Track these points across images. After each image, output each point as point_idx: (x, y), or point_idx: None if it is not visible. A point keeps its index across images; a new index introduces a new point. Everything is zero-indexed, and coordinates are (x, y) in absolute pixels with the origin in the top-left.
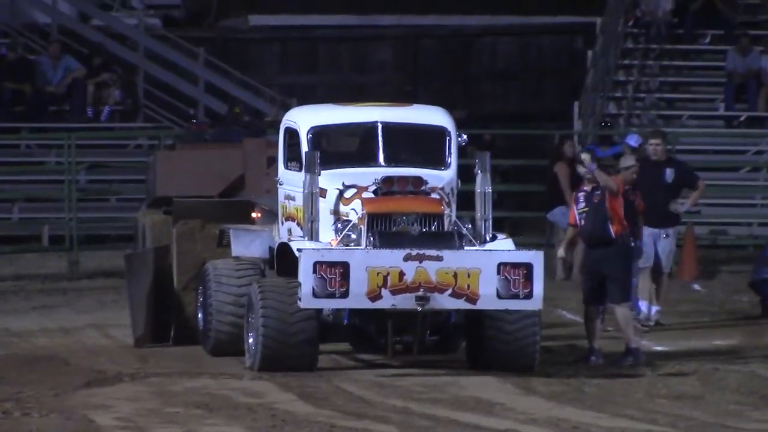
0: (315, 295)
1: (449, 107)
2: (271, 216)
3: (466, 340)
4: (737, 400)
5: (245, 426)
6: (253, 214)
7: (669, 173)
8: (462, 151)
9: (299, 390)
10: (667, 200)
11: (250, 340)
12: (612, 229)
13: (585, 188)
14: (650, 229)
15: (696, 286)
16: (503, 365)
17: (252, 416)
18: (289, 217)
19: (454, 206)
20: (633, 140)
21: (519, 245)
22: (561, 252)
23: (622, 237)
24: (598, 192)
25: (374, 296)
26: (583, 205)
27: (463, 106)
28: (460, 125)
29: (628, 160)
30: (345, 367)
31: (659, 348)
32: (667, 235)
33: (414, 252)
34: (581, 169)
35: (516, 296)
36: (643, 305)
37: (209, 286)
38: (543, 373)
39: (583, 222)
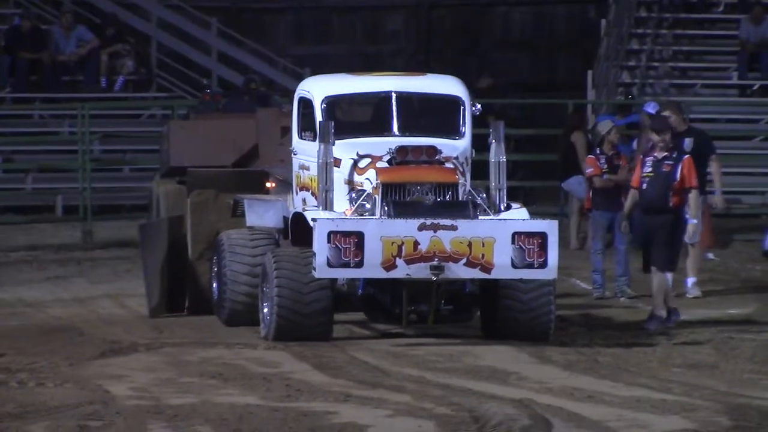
0: (329, 264)
1: (476, 75)
2: (286, 186)
3: (480, 310)
4: (752, 369)
5: (260, 396)
6: (268, 184)
7: (688, 143)
8: (478, 121)
9: (314, 360)
10: None
11: (265, 310)
12: (672, 200)
13: (655, 154)
14: None
15: (710, 255)
16: (518, 334)
17: (267, 386)
18: (303, 187)
19: (468, 176)
20: (651, 107)
21: (533, 215)
22: (625, 225)
23: (678, 208)
24: (669, 162)
25: (389, 266)
26: (649, 170)
27: (488, 74)
28: (485, 94)
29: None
30: (360, 336)
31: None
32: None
33: (428, 221)
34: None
35: (530, 265)
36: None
37: (224, 256)
38: (558, 342)
39: (645, 186)
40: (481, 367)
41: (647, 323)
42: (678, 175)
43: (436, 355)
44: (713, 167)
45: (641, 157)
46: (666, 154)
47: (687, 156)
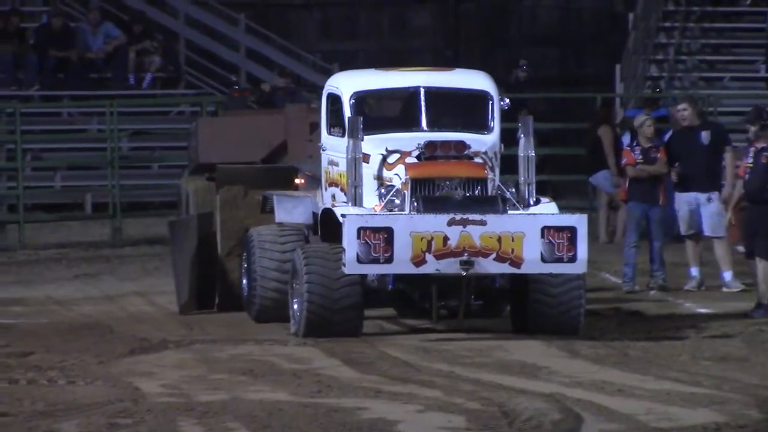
0: (359, 260)
1: (514, 66)
2: (314, 182)
3: (510, 304)
4: None
5: (290, 392)
6: (297, 180)
7: (705, 136)
8: (506, 115)
9: (344, 356)
10: (707, 163)
11: (295, 306)
12: None
13: (757, 144)
14: (693, 194)
15: (740, 248)
16: (548, 329)
17: (297, 382)
18: (332, 183)
19: (497, 170)
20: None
21: (562, 209)
22: (730, 215)
23: None
24: (767, 153)
25: (418, 261)
26: (750, 161)
27: (526, 67)
28: (522, 86)
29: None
30: (390, 332)
31: (703, 310)
32: (710, 199)
33: (458, 216)
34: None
35: (560, 260)
36: (694, 270)
37: (253, 253)
38: (587, 336)
39: (747, 177)
40: (511, 362)
41: (753, 312)
42: None
43: (466, 350)
44: (727, 159)
45: (745, 148)
46: (765, 145)
47: None
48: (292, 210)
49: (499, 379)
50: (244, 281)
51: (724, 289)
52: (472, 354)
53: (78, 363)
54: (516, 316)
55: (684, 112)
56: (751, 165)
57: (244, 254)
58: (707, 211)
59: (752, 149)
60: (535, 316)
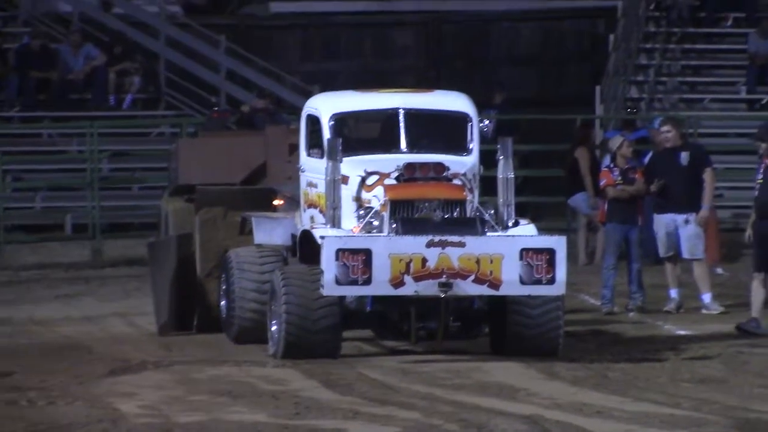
0: (338, 282)
1: (485, 91)
2: (294, 203)
3: (489, 326)
4: (761, 384)
5: (269, 413)
6: (276, 202)
7: (684, 156)
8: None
9: (323, 377)
10: (685, 184)
11: (273, 328)
12: None
13: (767, 161)
14: (670, 215)
15: (719, 270)
16: (527, 350)
17: (275, 403)
18: (311, 205)
19: (476, 192)
20: (658, 123)
21: (541, 231)
22: (749, 231)
23: None
24: None
25: (397, 283)
26: (760, 177)
27: (503, 90)
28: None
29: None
30: (368, 353)
31: (682, 332)
32: (688, 221)
33: (436, 238)
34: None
35: (539, 282)
36: (673, 292)
37: (232, 274)
38: (566, 358)
39: (757, 192)
40: (489, 384)
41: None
42: None
43: (445, 372)
44: (707, 180)
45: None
46: None
47: None
48: (271, 232)
49: (477, 401)
50: (223, 303)
51: (704, 311)
52: (450, 375)
53: (58, 384)
54: (495, 338)
55: (668, 133)
56: (761, 181)
57: (223, 276)
58: (685, 233)
59: (763, 165)
60: (514, 337)
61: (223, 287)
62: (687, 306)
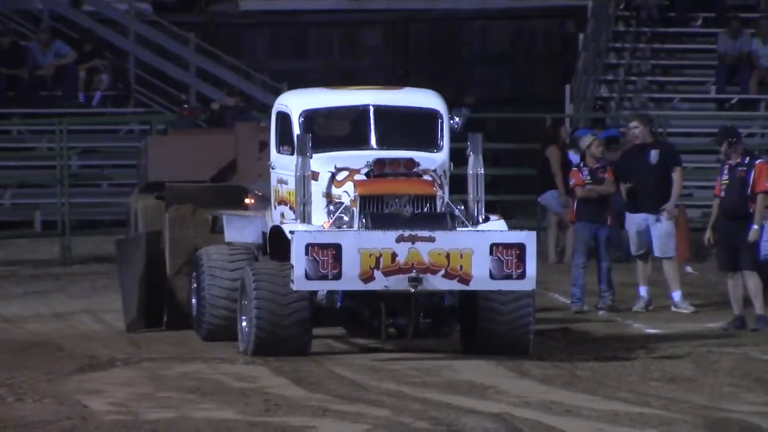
0: (307, 277)
1: (461, 94)
2: (264, 201)
3: (459, 324)
4: (731, 383)
5: (238, 410)
6: (246, 200)
7: (654, 155)
8: (458, 134)
9: (292, 374)
10: (655, 183)
11: (243, 324)
12: (751, 205)
13: (730, 161)
14: (642, 215)
15: (688, 269)
16: (497, 347)
17: (245, 400)
18: (281, 201)
19: (446, 188)
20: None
21: (511, 228)
22: (708, 234)
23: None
24: (742, 168)
25: (367, 278)
26: (725, 177)
27: (472, 92)
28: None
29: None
30: (338, 351)
31: (652, 331)
32: (659, 219)
33: (406, 233)
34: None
35: (509, 276)
36: (642, 290)
37: (203, 278)
38: (536, 356)
39: (723, 194)
40: (459, 382)
41: (756, 324)
42: (752, 180)
43: (415, 370)
44: (675, 178)
45: (720, 166)
46: (739, 160)
47: (760, 161)
48: (241, 230)
49: (447, 399)
50: (194, 301)
51: (673, 309)
52: (420, 373)
53: (27, 380)
54: (465, 336)
55: (635, 129)
56: (726, 182)
57: (194, 274)
58: (657, 231)
59: (726, 166)
60: (485, 334)
61: (194, 286)
62: (657, 304)
